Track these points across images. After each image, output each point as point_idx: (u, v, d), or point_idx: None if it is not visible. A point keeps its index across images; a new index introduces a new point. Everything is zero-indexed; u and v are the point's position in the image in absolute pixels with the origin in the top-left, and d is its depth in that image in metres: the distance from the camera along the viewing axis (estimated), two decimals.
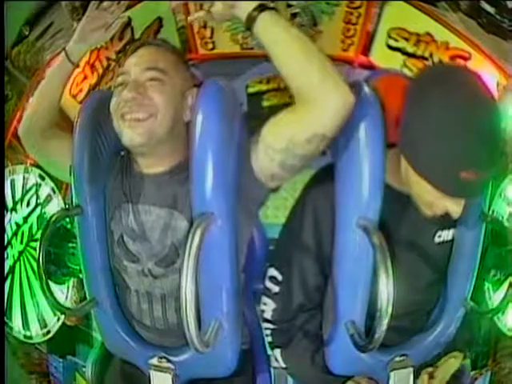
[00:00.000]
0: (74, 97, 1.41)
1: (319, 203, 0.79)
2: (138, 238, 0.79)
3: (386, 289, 0.66)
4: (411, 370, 0.83)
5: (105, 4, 0.81)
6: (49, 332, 1.44)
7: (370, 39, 1.44)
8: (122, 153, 0.84)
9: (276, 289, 0.84)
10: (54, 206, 1.41)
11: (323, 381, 0.84)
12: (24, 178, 1.45)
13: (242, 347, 0.81)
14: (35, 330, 1.46)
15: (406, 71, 1.39)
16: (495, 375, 1.41)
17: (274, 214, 1.17)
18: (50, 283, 0.80)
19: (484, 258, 0.86)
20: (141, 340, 0.84)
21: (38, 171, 1.43)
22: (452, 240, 0.82)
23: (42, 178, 1.43)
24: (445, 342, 0.85)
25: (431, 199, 0.70)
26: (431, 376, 0.84)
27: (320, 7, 1.44)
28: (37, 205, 1.44)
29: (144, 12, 1.46)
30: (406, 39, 1.40)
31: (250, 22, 0.66)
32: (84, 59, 1.40)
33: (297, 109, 0.68)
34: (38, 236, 0.76)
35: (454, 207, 0.69)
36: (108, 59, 1.46)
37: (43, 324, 1.45)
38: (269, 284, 0.84)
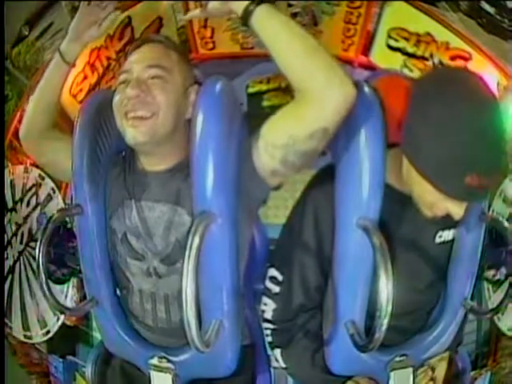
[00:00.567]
0: (74, 96, 1.41)
1: (319, 203, 0.79)
2: (141, 235, 0.79)
3: (386, 289, 0.66)
4: (411, 370, 0.83)
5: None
6: (49, 332, 1.44)
7: (370, 39, 1.44)
8: (124, 152, 0.84)
9: (276, 289, 0.84)
10: (54, 206, 1.41)
11: (323, 381, 0.84)
12: (24, 177, 1.45)
13: (242, 347, 0.81)
14: (35, 330, 1.45)
15: (406, 71, 1.39)
16: (495, 375, 1.41)
17: (274, 213, 1.17)
18: (50, 283, 0.80)
19: (484, 258, 0.86)
20: (141, 340, 0.84)
21: (37, 171, 1.42)
22: (452, 240, 0.82)
23: (42, 178, 1.43)
24: (445, 341, 0.86)
25: (432, 200, 0.70)
26: (432, 378, 0.84)
27: (320, 7, 1.43)
28: (37, 205, 1.43)
29: (144, 12, 1.46)
30: (407, 39, 1.40)
31: (247, 16, 0.65)
32: (84, 59, 1.40)
33: (297, 103, 0.67)
34: (38, 236, 0.76)
35: (456, 209, 0.69)
36: (108, 59, 1.46)
37: (43, 324, 1.45)
38: (269, 284, 0.84)
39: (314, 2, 1.43)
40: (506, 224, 0.83)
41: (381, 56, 1.44)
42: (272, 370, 0.98)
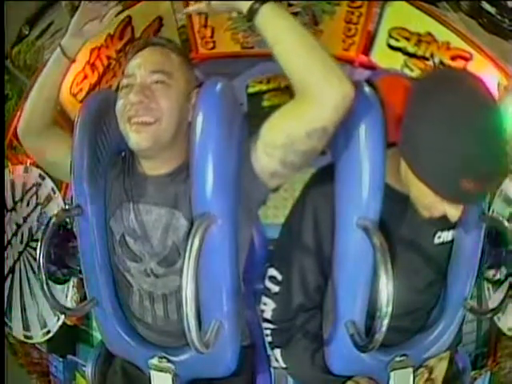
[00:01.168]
0: (75, 96, 1.41)
1: (319, 203, 0.79)
2: (139, 237, 0.79)
3: (386, 289, 0.66)
4: (411, 370, 0.83)
5: None
6: (49, 332, 1.44)
7: (370, 39, 1.44)
8: (123, 153, 0.84)
9: (276, 289, 0.84)
10: (54, 206, 1.41)
11: (323, 381, 0.84)
12: (24, 177, 1.45)
13: (242, 347, 0.81)
14: (35, 329, 1.45)
15: (406, 71, 1.39)
16: (495, 375, 1.41)
17: (274, 213, 1.17)
18: (50, 283, 0.80)
19: (484, 258, 0.86)
20: (141, 340, 0.84)
21: (37, 171, 1.42)
22: (452, 241, 0.82)
23: (42, 178, 1.43)
24: (445, 341, 0.86)
25: (429, 202, 0.70)
26: (429, 378, 0.84)
27: (321, 6, 1.43)
28: (37, 205, 1.43)
29: (144, 11, 1.46)
30: (407, 39, 1.40)
31: (252, 13, 0.66)
32: (84, 58, 1.40)
33: (296, 103, 0.68)
34: (38, 236, 0.76)
35: (453, 211, 0.69)
36: (108, 58, 1.46)
37: (43, 324, 1.45)
38: (269, 284, 0.85)
39: (314, 1, 1.43)
40: (506, 224, 0.83)
41: (381, 56, 1.44)
42: (272, 369, 0.98)
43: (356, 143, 0.72)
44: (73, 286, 1.40)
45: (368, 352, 0.74)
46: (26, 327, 1.46)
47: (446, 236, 0.81)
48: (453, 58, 1.35)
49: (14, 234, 1.45)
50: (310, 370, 0.85)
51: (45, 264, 0.77)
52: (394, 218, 0.77)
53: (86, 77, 1.43)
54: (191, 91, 0.78)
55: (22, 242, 1.45)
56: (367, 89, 0.73)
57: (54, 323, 1.43)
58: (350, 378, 0.85)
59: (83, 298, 0.89)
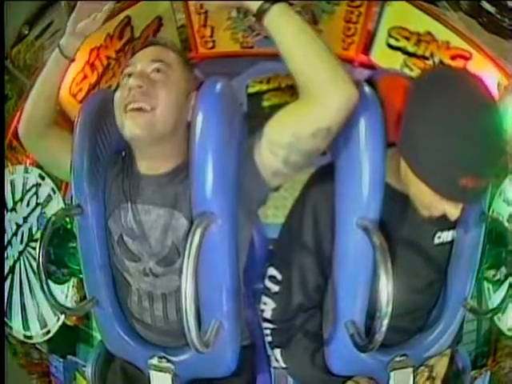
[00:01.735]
0: (74, 96, 1.41)
1: (319, 202, 0.79)
2: (137, 237, 0.79)
3: (386, 289, 0.66)
4: (411, 370, 0.83)
5: None
6: (49, 332, 1.44)
7: (370, 38, 1.45)
8: (123, 153, 0.84)
9: (276, 288, 0.84)
10: (54, 206, 1.41)
11: (323, 381, 0.84)
12: (24, 177, 1.45)
13: (242, 347, 0.81)
14: (35, 329, 1.45)
15: (406, 70, 1.39)
16: (495, 375, 1.41)
17: (274, 213, 1.17)
18: (50, 283, 0.80)
19: (484, 258, 0.86)
20: (141, 340, 0.84)
21: (37, 171, 1.42)
22: (452, 241, 0.82)
23: (42, 178, 1.43)
24: (445, 341, 0.86)
25: (429, 201, 0.70)
26: (430, 376, 0.84)
27: (320, 6, 1.44)
28: (37, 205, 1.43)
29: (144, 11, 1.46)
30: (407, 38, 1.40)
31: (261, 13, 0.66)
32: (84, 58, 1.40)
33: (301, 103, 0.68)
34: (38, 236, 0.76)
35: (452, 210, 0.69)
36: (108, 58, 1.45)
37: (43, 324, 1.45)
38: (268, 283, 0.84)
39: (314, 1, 1.43)
40: (506, 224, 0.83)
41: (381, 55, 1.44)
42: (272, 369, 0.98)
43: (356, 143, 0.72)
44: (73, 286, 1.40)
45: (368, 352, 0.74)
46: (26, 327, 1.46)
47: (445, 236, 0.81)
48: (452, 58, 1.35)
49: (14, 234, 1.45)
50: (310, 369, 0.85)
51: (45, 264, 0.77)
52: (394, 217, 0.77)
53: (85, 77, 1.43)
54: (190, 91, 0.78)
55: (22, 242, 1.45)
56: (367, 89, 0.73)
57: (54, 323, 1.44)
58: (349, 378, 0.85)
59: (83, 298, 0.89)
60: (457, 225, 0.80)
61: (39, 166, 1.36)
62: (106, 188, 0.82)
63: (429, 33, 1.37)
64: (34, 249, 1.41)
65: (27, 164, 1.43)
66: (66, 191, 1.40)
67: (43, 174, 1.42)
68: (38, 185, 1.43)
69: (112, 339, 0.86)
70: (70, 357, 1.50)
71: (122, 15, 1.43)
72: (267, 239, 1.05)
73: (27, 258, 1.44)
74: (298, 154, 0.70)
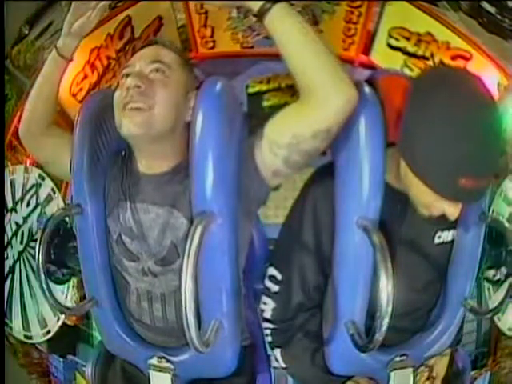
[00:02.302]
0: (74, 96, 1.41)
1: (319, 202, 0.79)
2: (136, 237, 0.79)
3: (386, 289, 0.66)
4: (411, 369, 0.83)
5: None
6: (49, 332, 1.44)
7: (370, 38, 1.45)
8: (123, 152, 0.84)
9: (276, 288, 0.84)
10: (54, 206, 1.41)
11: (323, 381, 0.84)
12: (24, 177, 1.45)
13: (242, 347, 0.81)
14: (35, 329, 1.45)
15: (406, 71, 1.39)
16: (495, 375, 1.41)
17: (274, 213, 1.17)
18: (50, 283, 0.80)
19: (484, 258, 0.86)
20: (140, 340, 0.84)
21: (37, 171, 1.42)
22: (452, 241, 0.82)
23: (42, 178, 1.43)
24: (445, 341, 0.86)
25: (428, 200, 0.70)
26: (430, 376, 0.84)
27: (321, 6, 1.44)
28: (37, 205, 1.43)
29: (144, 11, 1.46)
30: (407, 39, 1.40)
31: (263, 13, 0.65)
32: (84, 58, 1.40)
33: (302, 103, 0.68)
34: (38, 236, 0.76)
35: (452, 210, 0.69)
36: (108, 58, 1.46)
37: (43, 324, 1.45)
38: (268, 283, 0.84)
39: (314, 1, 1.43)
40: (506, 224, 0.83)
41: (381, 55, 1.44)
42: (272, 369, 0.98)
43: (356, 143, 0.72)
44: (73, 286, 1.40)
45: (368, 352, 0.73)
46: (26, 327, 1.46)
47: (446, 236, 0.81)
48: (453, 58, 1.35)
49: (14, 234, 1.45)
50: (310, 369, 0.85)
51: (44, 263, 0.77)
52: (395, 217, 0.77)
53: (85, 77, 1.43)
54: (190, 91, 0.78)
55: (22, 242, 1.45)
56: (367, 89, 0.73)
57: (54, 323, 1.43)
58: (349, 378, 0.85)
59: (83, 298, 0.88)
60: (457, 225, 0.80)
61: (39, 166, 1.36)
62: (106, 187, 0.82)
63: (429, 33, 1.37)
64: (34, 249, 1.41)
65: (27, 164, 1.43)
66: (66, 191, 1.40)
67: (43, 174, 1.42)
68: (38, 185, 1.43)
69: (112, 339, 0.86)
70: (70, 357, 1.50)
71: (122, 15, 1.43)
72: (267, 239, 1.05)
73: (27, 258, 1.44)
74: (298, 154, 0.70)
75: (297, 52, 0.65)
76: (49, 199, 1.43)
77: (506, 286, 1.15)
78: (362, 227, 0.72)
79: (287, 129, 0.70)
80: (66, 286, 1.40)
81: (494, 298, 1.28)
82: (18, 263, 1.45)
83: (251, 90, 1.55)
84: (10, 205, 1.46)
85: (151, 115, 0.73)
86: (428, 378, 0.86)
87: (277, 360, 0.87)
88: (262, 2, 0.65)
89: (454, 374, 0.91)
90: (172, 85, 0.76)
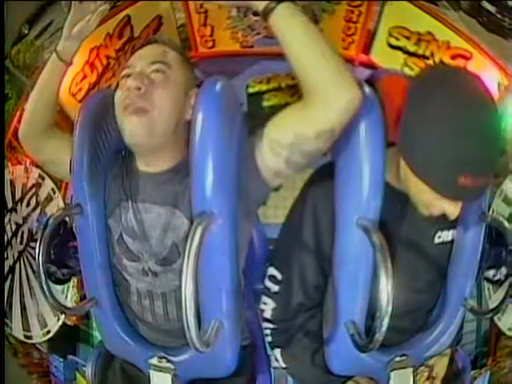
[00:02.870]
0: (74, 96, 1.41)
1: (319, 202, 0.79)
2: (137, 236, 0.79)
3: (386, 289, 0.66)
4: (411, 369, 0.83)
5: None
6: (49, 332, 1.44)
7: (370, 38, 1.44)
8: (123, 152, 0.84)
9: (276, 288, 0.84)
10: (54, 206, 1.41)
11: (323, 381, 0.84)
12: (24, 177, 1.45)
13: (242, 347, 0.81)
14: (35, 329, 1.46)
15: (406, 70, 1.39)
16: (495, 375, 1.41)
17: (274, 213, 1.17)
18: (50, 283, 0.80)
19: (484, 258, 0.86)
20: (140, 340, 0.84)
21: (37, 171, 1.42)
22: (452, 241, 0.82)
23: (42, 178, 1.43)
24: (445, 341, 0.86)
25: (428, 199, 0.70)
26: (430, 376, 0.84)
27: (321, 5, 1.43)
28: (37, 205, 1.43)
29: (143, 10, 1.46)
30: (407, 38, 1.40)
31: (268, 12, 0.65)
32: (83, 58, 1.40)
33: (305, 104, 0.68)
34: (38, 236, 0.76)
35: (452, 209, 0.69)
36: (107, 58, 1.45)
37: (43, 324, 1.45)
38: (268, 283, 0.84)
39: (314, 0, 1.43)
40: (506, 224, 0.83)
41: (381, 55, 1.44)
42: (272, 369, 0.98)
43: (356, 143, 0.72)
44: (73, 286, 1.40)
45: (368, 352, 0.73)
46: (26, 327, 1.46)
47: (446, 236, 0.81)
48: (453, 57, 1.35)
49: (14, 234, 1.45)
50: (309, 369, 0.85)
51: (44, 263, 0.77)
52: (394, 217, 0.77)
53: (85, 76, 1.43)
54: (190, 90, 0.78)
55: (21, 242, 1.45)
56: (367, 89, 0.73)
57: (54, 323, 1.44)
58: (349, 378, 0.85)
59: (83, 298, 0.88)
60: (457, 224, 0.80)
61: (39, 166, 1.36)
62: (106, 187, 0.82)
63: (429, 32, 1.37)
64: (34, 249, 1.40)
65: (27, 164, 1.43)
66: (65, 191, 1.40)
67: (43, 174, 1.42)
68: (38, 185, 1.43)
69: (112, 339, 0.86)
70: (70, 357, 1.50)
71: (121, 14, 1.43)
72: (267, 239, 1.05)
73: (27, 258, 1.44)
74: (300, 154, 0.70)
75: (301, 51, 0.65)
76: (49, 199, 1.43)
77: (506, 286, 1.15)
78: (361, 227, 0.72)
79: (290, 129, 0.69)
80: (66, 285, 1.40)
81: (494, 297, 1.28)
82: (18, 263, 1.46)
83: (251, 90, 1.54)
84: (10, 205, 1.46)
85: (152, 118, 0.73)
86: (428, 378, 0.87)
87: (277, 360, 0.87)
88: (266, 2, 0.65)
89: (454, 374, 0.91)
90: (172, 85, 0.76)
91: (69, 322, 1.44)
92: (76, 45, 0.81)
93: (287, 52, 0.66)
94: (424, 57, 1.38)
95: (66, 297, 1.41)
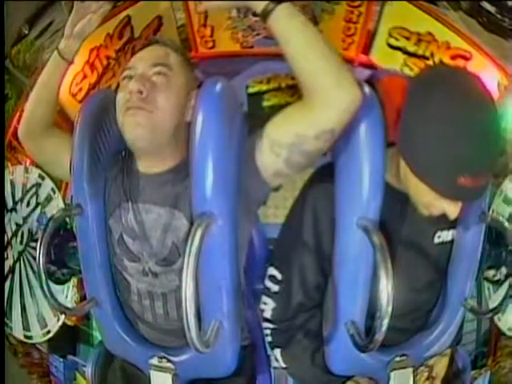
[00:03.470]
0: (74, 96, 1.41)
1: (319, 202, 0.79)
2: (137, 237, 0.79)
3: (386, 289, 0.66)
4: (411, 369, 0.83)
5: None
6: (49, 332, 1.44)
7: (370, 38, 1.45)
8: (123, 152, 0.84)
9: (276, 288, 0.84)
10: (54, 206, 1.41)
11: (323, 381, 0.84)
12: (24, 177, 1.45)
13: (242, 347, 0.81)
14: (35, 330, 1.45)
15: (406, 70, 1.39)
16: (495, 375, 1.41)
17: (274, 213, 1.17)
18: (50, 283, 0.80)
19: (484, 258, 0.86)
20: (141, 340, 0.84)
21: (37, 171, 1.42)
22: (452, 241, 0.82)
23: (42, 178, 1.43)
24: (445, 341, 0.86)
25: (428, 200, 0.70)
26: (430, 376, 0.84)
27: (320, 5, 1.43)
28: (37, 205, 1.43)
29: (144, 10, 1.46)
30: (407, 38, 1.40)
31: (266, 14, 0.65)
32: (83, 58, 1.40)
33: (306, 104, 0.68)
34: (38, 236, 0.76)
35: (452, 209, 0.69)
36: (108, 58, 1.45)
37: (43, 324, 1.45)
38: (268, 283, 0.84)
39: (314, 0, 1.43)
40: (506, 224, 0.83)
41: (381, 55, 1.44)
42: (272, 370, 0.98)
43: (356, 143, 0.72)
44: (73, 286, 1.40)
45: (368, 352, 0.73)
46: (26, 327, 1.46)
47: (445, 235, 0.81)
48: (453, 58, 1.35)
49: (14, 234, 1.45)
50: (309, 369, 0.85)
51: (45, 264, 0.77)
52: (394, 217, 0.77)
53: (85, 77, 1.43)
54: (191, 91, 0.78)
55: (21, 242, 1.45)
56: (367, 89, 0.73)
57: (54, 323, 1.44)
58: (349, 377, 0.85)
59: (83, 298, 0.89)
60: (457, 224, 0.81)
61: (39, 166, 1.36)
62: (106, 188, 0.82)
63: (429, 33, 1.37)
64: (34, 249, 1.41)
65: (27, 164, 1.43)
66: (65, 191, 1.40)
67: (43, 174, 1.42)
68: (37, 185, 1.43)
69: (112, 339, 0.86)
70: (70, 357, 1.50)
71: (121, 15, 1.43)
72: (267, 239, 1.05)
73: (27, 258, 1.44)
74: (300, 154, 0.70)
75: (300, 53, 0.65)
76: (49, 199, 1.43)
77: (506, 286, 1.15)
78: (362, 227, 0.72)
79: (290, 129, 0.69)
80: (66, 285, 1.40)
81: (494, 297, 1.28)
82: (18, 263, 1.45)
83: (251, 90, 1.54)
84: (10, 205, 1.46)
85: (153, 121, 0.73)
86: (428, 378, 0.87)
87: (277, 360, 0.87)
88: (265, 3, 0.65)
89: (454, 374, 0.91)
90: (174, 87, 0.76)
91: (69, 322, 1.44)
92: (77, 44, 0.81)
93: (286, 53, 0.66)
94: (424, 57, 1.38)
95: (66, 297, 1.41)
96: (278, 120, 0.72)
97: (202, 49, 1.53)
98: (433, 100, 0.66)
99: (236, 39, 1.51)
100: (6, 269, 1.44)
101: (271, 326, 0.85)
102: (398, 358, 0.82)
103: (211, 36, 1.52)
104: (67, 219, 1.11)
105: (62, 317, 1.42)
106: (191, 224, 0.71)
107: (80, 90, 1.42)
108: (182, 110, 0.76)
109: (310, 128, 0.68)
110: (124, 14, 1.43)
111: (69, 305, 1.35)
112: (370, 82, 0.77)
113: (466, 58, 1.33)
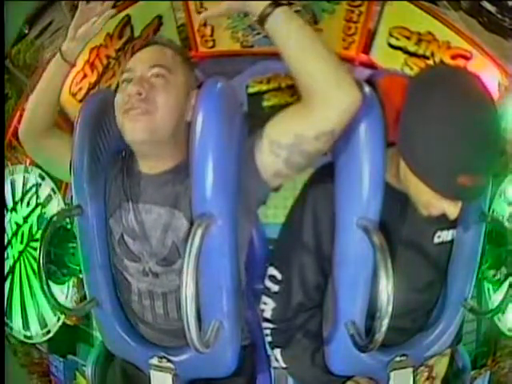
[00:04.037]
0: (74, 96, 1.41)
1: (318, 201, 0.79)
2: (138, 237, 0.79)
3: (386, 289, 0.66)
4: (411, 369, 0.83)
5: None
6: (49, 332, 1.45)
7: (371, 38, 1.44)
8: (123, 152, 0.84)
9: (276, 288, 0.84)
10: (54, 206, 1.41)
11: (323, 381, 0.84)
12: (24, 177, 1.45)
13: (242, 347, 0.81)
14: (35, 329, 1.46)
15: (407, 70, 1.39)
16: (495, 375, 1.41)
17: (274, 213, 1.17)
18: (50, 283, 0.80)
19: (484, 258, 0.86)
20: (141, 339, 0.84)
21: (38, 171, 1.43)
22: (452, 241, 0.82)
23: (42, 178, 1.43)
24: (445, 341, 0.86)
25: (428, 199, 0.70)
26: (430, 376, 0.84)
27: (321, 5, 1.43)
28: (37, 205, 1.44)
29: (144, 10, 1.46)
30: (408, 38, 1.40)
31: (264, 17, 0.65)
32: (83, 58, 1.40)
33: (305, 105, 0.68)
34: (38, 236, 0.77)
35: (451, 209, 0.69)
36: (108, 57, 1.45)
37: (43, 324, 1.45)
38: (268, 283, 0.84)
39: (314, 0, 1.43)
40: (506, 224, 0.83)
41: (382, 54, 1.43)
42: (272, 370, 0.98)
43: (356, 143, 0.72)
44: (73, 286, 1.40)
45: (368, 352, 0.73)
46: (26, 327, 1.47)
47: (445, 235, 0.81)
48: (453, 57, 1.35)
49: (14, 234, 1.46)
50: (310, 369, 0.85)
51: (45, 264, 0.77)
52: (394, 217, 0.77)
53: (85, 76, 1.43)
54: (190, 91, 0.78)
55: (22, 242, 1.45)
56: (367, 89, 0.73)
57: (54, 323, 1.44)
58: (349, 377, 0.85)
59: (83, 298, 0.89)
60: (456, 224, 0.80)
61: (39, 166, 1.36)
62: (107, 188, 0.82)
63: (429, 32, 1.37)
64: (34, 249, 1.41)
65: (27, 164, 1.43)
66: (65, 191, 1.40)
67: (43, 174, 1.42)
68: (38, 185, 1.43)
69: (112, 339, 0.86)
70: (70, 356, 1.50)
71: (121, 14, 1.43)
72: (267, 239, 1.05)
73: (27, 258, 1.45)
74: (299, 155, 0.70)
75: (298, 55, 0.65)
76: (49, 199, 1.43)
77: (506, 285, 1.15)
78: (362, 227, 0.72)
79: (290, 129, 0.70)
80: (66, 286, 1.40)
81: (494, 298, 1.28)
82: (18, 263, 1.46)
83: (251, 90, 1.54)
84: (10, 205, 1.46)
85: (153, 121, 0.73)
86: (428, 378, 0.87)
87: (277, 360, 0.87)
88: (262, 7, 0.65)
89: (454, 374, 0.92)
90: (173, 88, 0.75)
91: (69, 322, 1.44)
92: (80, 46, 0.81)
93: (285, 56, 0.66)
94: (424, 57, 1.38)
95: (67, 297, 1.41)
96: (278, 120, 0.72)
97: (202, 48, 1.53)
98: (433, 100, 0.66)
99: (236, 38, 1.51)
100: (6, 269, 1.44)
101: (271, 325, 0.85)
102: (397, 358, 0.82)
103: (211, 35, 1.52)
104: (67, 219, 1.11)
105: (62, 317, 1.42)
106: (191, 224, 0.71)
107: (80, 89, 1.42)
108: (182, 111, 0.76)
109: (310, 129, 0.68)
110: (124, 13, 1.43)
111: (69, 305, 1.35)
112: (370, 81, 0.77)
113: (467, 58, 1.33)
